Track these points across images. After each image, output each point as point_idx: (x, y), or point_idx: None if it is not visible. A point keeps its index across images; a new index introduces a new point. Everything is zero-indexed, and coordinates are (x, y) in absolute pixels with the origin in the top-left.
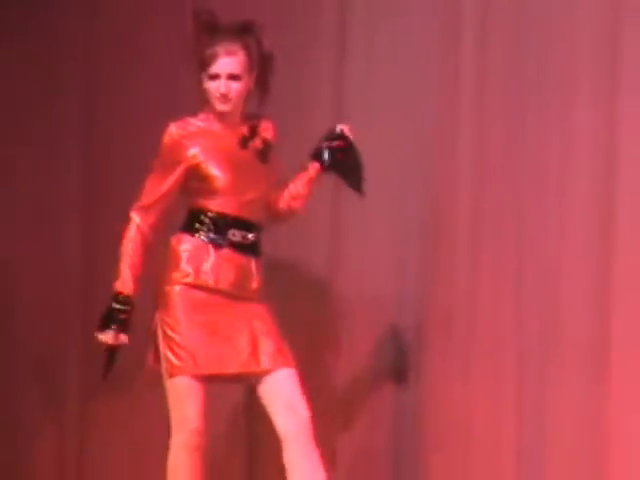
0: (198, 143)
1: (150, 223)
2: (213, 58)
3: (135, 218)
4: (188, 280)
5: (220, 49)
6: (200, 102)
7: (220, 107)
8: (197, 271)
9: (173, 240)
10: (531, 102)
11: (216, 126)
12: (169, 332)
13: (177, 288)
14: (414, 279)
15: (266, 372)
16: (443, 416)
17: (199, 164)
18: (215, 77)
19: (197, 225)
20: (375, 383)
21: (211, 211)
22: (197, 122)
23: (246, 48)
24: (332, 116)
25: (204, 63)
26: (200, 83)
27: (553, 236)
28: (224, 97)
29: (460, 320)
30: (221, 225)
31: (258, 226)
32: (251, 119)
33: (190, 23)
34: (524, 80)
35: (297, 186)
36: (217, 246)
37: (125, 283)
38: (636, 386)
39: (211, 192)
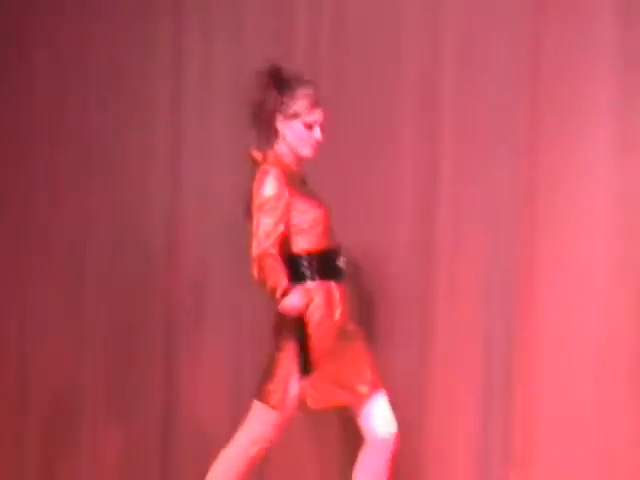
0: (288, 187)
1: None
2: (309, 108)
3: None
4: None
5: (313, 100)
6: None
7: (307, 152)
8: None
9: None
10: None
11: (290, 169)
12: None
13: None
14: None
15: None
16: None
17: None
18: (310, 126)
19: (302, 270)
20: None
21: (310, 251)
22: (284, 167)
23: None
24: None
25: (296, 112)
26: (271, 128)
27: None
28: (318, 144)
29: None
30: (324, 260)
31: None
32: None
33: (262, 79)
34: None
35: None
36: (326, 281)
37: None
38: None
39: (305, 231)
